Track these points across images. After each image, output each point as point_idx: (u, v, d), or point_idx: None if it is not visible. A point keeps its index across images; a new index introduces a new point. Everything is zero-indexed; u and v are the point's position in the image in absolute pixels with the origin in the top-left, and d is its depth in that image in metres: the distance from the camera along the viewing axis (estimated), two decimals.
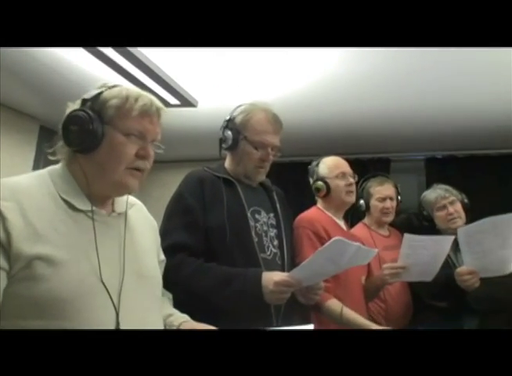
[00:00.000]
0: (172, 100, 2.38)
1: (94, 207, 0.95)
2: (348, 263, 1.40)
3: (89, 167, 0.96)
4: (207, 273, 1.36)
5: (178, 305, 1.35)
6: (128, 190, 1.01)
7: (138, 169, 0.98)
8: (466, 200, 2.28)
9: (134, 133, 0.96)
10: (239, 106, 1.59)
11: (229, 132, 1.53)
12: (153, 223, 1.16)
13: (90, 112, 0.94)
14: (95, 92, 0.99)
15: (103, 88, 0.99)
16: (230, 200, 1.46)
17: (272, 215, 1.60)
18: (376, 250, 1.50)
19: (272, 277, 1.33)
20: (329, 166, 1.95)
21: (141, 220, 1.10)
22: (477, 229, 1.79)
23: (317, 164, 1.99)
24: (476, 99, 2.56)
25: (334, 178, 1.91)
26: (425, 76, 2.31)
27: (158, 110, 1.01)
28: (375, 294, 2.00)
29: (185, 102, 2.44)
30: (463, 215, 2.22)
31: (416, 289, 2.08)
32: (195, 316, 1.15)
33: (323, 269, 1.36)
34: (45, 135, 2.99)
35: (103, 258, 0.91)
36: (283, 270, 1.48)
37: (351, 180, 1.93)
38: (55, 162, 1.00)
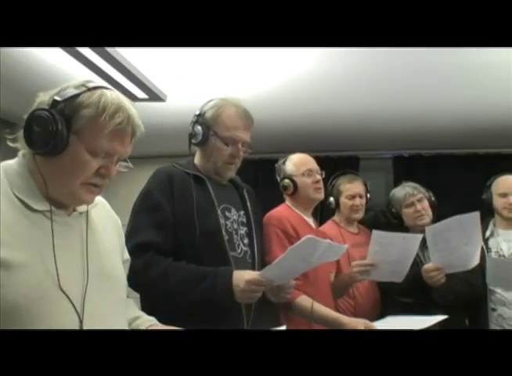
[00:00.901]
0: (140, 94, 2.32)
1: (52, 207, 0.89)
2: (319, 260, 1.39)
3: (46, 170, 0.88)
4: (176, 273, 1.33)
5: (147, 306, 1.32)
6: (81, 203, 0.95)
7: (95, 185, 0.91)
8: (433, 198, 2.33)
9: (100, 153, 0.88)
10: (210, 100, 1.56)
11: (199, 127, 1.50)
12: (117, 221, 1.10)
13: (58, 117, 0.85)
14: (70, 92, 0.88)
15: (81, 90, 0.88)
16: (200, 197, 1.43)
17: (242, 212, 1.58)
18: (346, 246, 1.51)
19: (243, 276, 1.31)
20: (296, 163, 1.94)
21: (104, 219, 1.04)
22: (445, 228, 1.83)
23: (283, 162, 1.98)
24: (443, 99, 2.61)
25: (301, 176, 1.90)
26: (394, 76, 2.34)
27: (134, 129, 0.92)
28: (344, 292, 2.01)
29: (154, 96, 2.38)
30: (429, 212, 2.27)
31: (383, 286, 2.10)
32: (163, 317, 1.11)
33: (294, 267, 1.35)
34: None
35: (64, 260, 0.86)
36: (253, 269, 1.47)
37: (318, 177, 1.92)
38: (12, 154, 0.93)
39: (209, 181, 1.49)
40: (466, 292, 2.11)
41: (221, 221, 1.45)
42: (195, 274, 1.33)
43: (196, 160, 1.57)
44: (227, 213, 1.50)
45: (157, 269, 1.32)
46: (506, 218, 2.22)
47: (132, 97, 2.27)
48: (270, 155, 3.14)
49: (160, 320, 1.10)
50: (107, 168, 0.91)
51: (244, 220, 1.57)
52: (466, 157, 3.23)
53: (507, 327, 2.09)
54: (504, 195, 2.21)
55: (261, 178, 3.06)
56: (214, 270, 1.34)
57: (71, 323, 0.84)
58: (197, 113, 1.53)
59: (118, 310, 0.97)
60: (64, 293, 0.84)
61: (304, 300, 1.65)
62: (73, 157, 0.87)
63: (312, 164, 1.96)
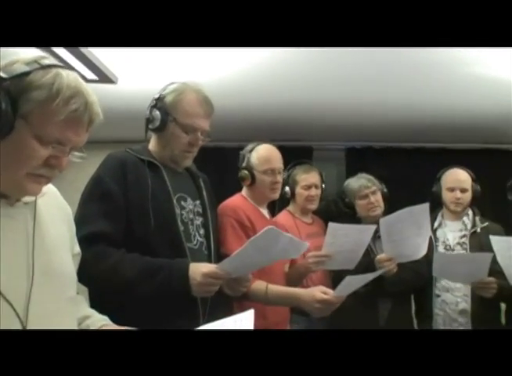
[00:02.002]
0: (89, 75, 2.18)
1: None
2: (279, 255, 1.37)
3: None
4: (128, 265, 1.25)
5: (96, 300, 1.24)
6: (26, 195, 0.84)
7: (43, 176, 0.81)
8: (385, 190, 2.39)
9: (50, 141, 0.78)
10: (171, 84, 1.47)
11: (157, 112, 1.41)
12: (68, 212, 1.01)
13: (2, 96, 0.73)
14: (19, 69, 0.76)
15: (32, 67, 0.77)
16: (155, 186, 1.36)
17: (198, 202, 1.52)
18: (307, 244, 1.50)
19: (199, 269, 1.26)
20: (261, 158, 1.88)
21: (53, 209, 0.94)
22: (397, 219, 1.88)
23: (250, 151, 1.93)
24: (395, 94, 2.67)
25: (262, 173, 1.86)
26: (349, 69, 2.35)
27: (92, 117, 0.83)
28: (298, 282, 2.01)
29: (104, 77, 2.24)
30: (382, 204, 2.33)
31: (338, 275, 2.12)
32: (115, 313, 1.04)
33: (253, 259, 1.32)
34: None
35: (5, 258, 0.76)
36: (209, 260, 1.43)
37: (278, 178, 1.88)
38: None
39: (164, 169, 1.42)
40: (413, 280, 2.19)
41: (177, 211, 1.39)
42: (149, 267, 1.26)
43: (152, 146, 1.49)
44: (183, 202, 1.44)
45: (108, 261, 1.24)
46: (453, 211, 2.31)
47: (81, 78, 2.13)
48: (223, 143, 3.09)
49: (110, 316, 1.04)
50: (58, 159, 0.81)
51: (200, 210, 1.52)
52: (414, 151, 3.33)
53: (449, 311, 2.20)
54: (452, 189, 2.29)
55: (213, 167, 2.99)
56: (170, 262, 1.28)
57: (12, 327, 0.76)
58: (156, 96, 1.44)
59: (67, 310, 0.89)
60: (3, 296, 0.75)
61: (258, 284, 1.63)
62: (18, 144, 0.77)
63: (276, 162, 1.90)
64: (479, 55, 2.56)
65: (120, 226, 1.29)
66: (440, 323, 2.23)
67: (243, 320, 0.97)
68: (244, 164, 1.91)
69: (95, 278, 1.21)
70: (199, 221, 1.49)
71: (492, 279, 1.97)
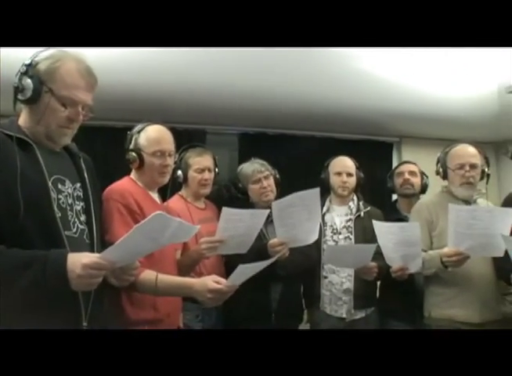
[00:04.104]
0: None
1: None
2: (168, 240, 1.28)
3: None
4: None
5: None
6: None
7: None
8: (277, 176, 2.42)
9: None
10: (44, 49, 1.27)
11: (29, 81, 1.20)
12: None
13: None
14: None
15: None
16: (26, 166, 1.16)
17: (78, 185, 1.35)
18: (198, 226, 1.42)
19: (79, 259, 1.10)
20: (150, 139, 1.75)
21: None
22: (288, 204, 1.91)
23: (139, 132, 1.78)
24: (288, 83, 2.73)
25: (151, 155, 1.73)
26: (245, 55, 2.34)
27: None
28: (191, 269, 1.95)
29: None
30: (274, 189, 2.36)
31: (230, 260, 2.10)
32: None
33: (141, 247, 1.21)
34: None
35: None
36: (92, 250, 1.28)
37: (168, 161, 1.76)
38: None
39: (38, 147, 1.23)
40: (303, 263, 2.26)
41: (53, 195, 1.21)
42: (19, 259, 1.08)
43: (22, 121, 1.28)
44: (60, 185, 1.27)
45: None
46: (340, 195, 2.43)
47: None
48: (111, 123, 2.87)
49: None
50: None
51: (81, 194, 1.35)
52: (304, 139, 3.44)
53: (334, 291, 2.33)
54: (339, 174, 2.42)
55: (99, 148, 2.77)
56: (44, 254, 1.11)
57: None
58: (27, 62, 1.23)
59: None
60: None
61: (147, 274, 1.53)
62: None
63: (166, 144, 1.77)
64: (367, 53, 2.73)
65: None
66: (326, 302, 2.35)
67: None
68: (132, 146, 1.77)
69: None
70: (79, 206, 1.32)
71: (373, 264, 2.12)
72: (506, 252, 1.71)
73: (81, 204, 1.33)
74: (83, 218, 1.32)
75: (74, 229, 1.26)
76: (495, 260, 2.00)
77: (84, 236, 1.30)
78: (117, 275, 1.27)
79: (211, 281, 1.46)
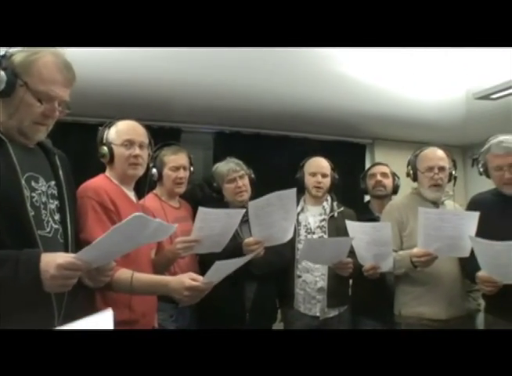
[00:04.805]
0: None
1: None
2: (146, 240, 1.27)
3: None
4: None
5: None
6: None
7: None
8: (252, 175, 2.43)
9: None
10: None
11: (2, 73, 1.16)
12: None
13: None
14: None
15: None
16: None
17: (52, 183, 1.31)
18: (175, 225, 1.41)
19: (54, 259, 1.07)
20: (119, 131, 1.73)
21: None
22: (266, 203, 1.92)
23: (109, 126, 1.76)
24: (264, 83, 2.74)
25: (120, 146, 1.71)
26: (221, 54, 2.33)
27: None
28: (166, 268, 1.94)
29: None
30: (249, 188, 2.36)
31: (205, 260, 2.09)
32: None
33: (118, 247, 1.18)
34: None
35: None
36: (66, 250, 1.25)
37: (138, 151, 1.72)
38: None
39: (10, 143, 1.19)
40: (278, 262, 2.28)
41: (26, 193, 1.18)
42: None
43: None
44: (33, 183, 1.23)
45: None
46: (314, 195, 2.46)
47: None
48: (86, 119, 2.80)
49: None
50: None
51: (55, 192, 1.31)
52: (279, 139, 3.45)
53: (308, 290, 2.36)
54: (314, 174, 2.45)
55: (74, 145, 2.70)
56: (16, 254, 1.07)
57: None
58: (2, 53, 1.19)
59: None
60: None
61: (123, 273, 1.50)
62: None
63: (136, 134, 1.74)
64: (343, 54, 2.78)
65: None
66: (300, 301, 2.38)
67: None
68: (104, 140, 1.74)
69: None
70: (53, 205, 1.29)
71: (349, 259, 2.17)
72: (472, 252, 1.78)
73: (56, 202, 1.30)
74: (57, 217, 1.28)
75: (48, 229, 1.23)
76: (461, 260, 2.07)
77: (58, 236, 1.26)
78: (92, 276, 1.24)
79: (188, 279, 1.44)
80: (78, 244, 1.36)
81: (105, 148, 1.72)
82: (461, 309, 2.21)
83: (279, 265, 2.31)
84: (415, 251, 1.98)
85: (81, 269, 1.12)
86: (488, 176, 2.02)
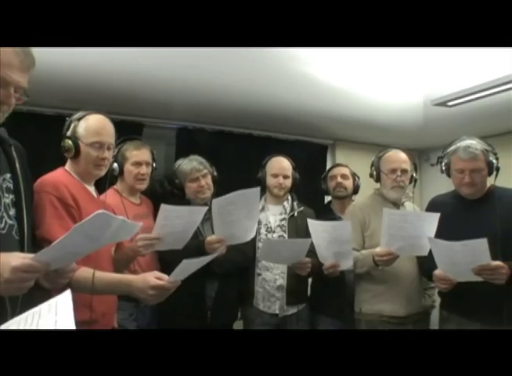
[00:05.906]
0: None
1: None
2: (109, 239, 1.23)
3: None
4: None
5: None
6: None
7: None
8: (215, 173, 2.42)
9: None
10: None
11: None
12: None
13: None
14: None
15: None
16: None
17: (8, 175, 1.25)
18: (140, 224, 1.37)
19: (8, 261, 1.01)
20: (89, 129, 1.65)
21: None
22: (229, 201, 1.92)
23: (79, 119, 1.68)
24: (229, 80, 2.73)
25: (88, 146, 1.64)
26: (188, 49, 2.30)
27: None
28: (126, 266, 1.90)
29: None
30: (212, 186, 2.36)
31: (167, 257, 2.06)
32: None
33: (79, 247, 1.13)
34: None
35: None
36: (21, 247, 1.19)
37: (106, 154, 1.68)
38: None
39: None
40: (239, 261, 2.29)
41: None
42: None
43: None
44: None
45: None
46: (275, 195, 2.48)
47: None
48: (44, 109, 2.69)
49: None
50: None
51: (11, 186, 1.25)
52: (242, 137, 3.44)
53: (268, 288, 2.39)
54: (276, 175, 2.48)
55: (31, 136, 2.58)
56: None
57: None
58: None
59: None
60: None
61: (83, 272, 1.42)
62: None
63: (106, 136, 1.68)
64: (306, 54, 2.81)
65: None
66: (260, 298, 2.40)
67: (60, 304, 0.84)
68: (69, 133, 1.67)
69: None
70: (8, 199, 1.22)
71: (308, 259, 2.20)
72: (430, 252, 1.86)
73: (11, 196, 1.24)
74: (12, 212, 1.22)
75: (2, 225, 1.17)
76: (420, 258, 2.15)
77: (13, 233, 1.20)
78: (50, 278, 1.18)
79: (153, 277, 1.40)
80: (35, 240, 1.31)
81: (70, 142, 1.65)
82: (418, 306, 2.31)
83: (240, 263, 2.32)
84: (377, 250, 2.04)
85: (39, 272, 1.06)
86: (448, 176, 2.08)
